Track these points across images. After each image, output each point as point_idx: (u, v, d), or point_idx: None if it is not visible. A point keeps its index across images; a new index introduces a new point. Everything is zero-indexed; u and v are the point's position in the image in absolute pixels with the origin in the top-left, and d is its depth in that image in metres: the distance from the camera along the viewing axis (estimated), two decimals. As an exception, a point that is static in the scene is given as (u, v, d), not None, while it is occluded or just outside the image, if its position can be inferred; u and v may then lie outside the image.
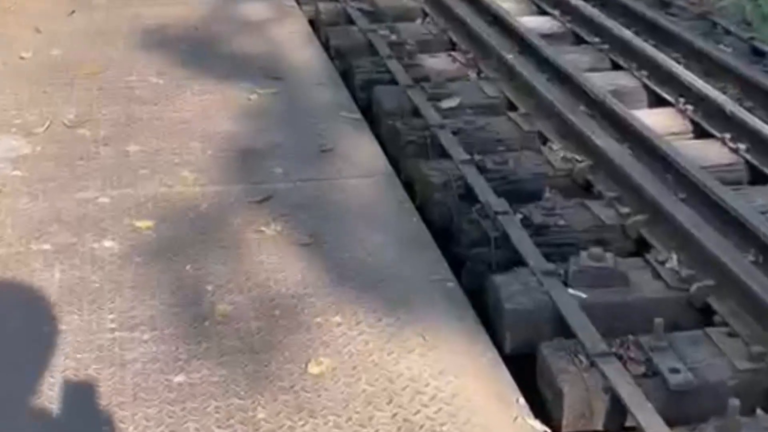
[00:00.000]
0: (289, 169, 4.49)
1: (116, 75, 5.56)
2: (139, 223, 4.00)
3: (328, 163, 4.57)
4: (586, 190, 4.40)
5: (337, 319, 3.40)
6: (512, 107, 5.23)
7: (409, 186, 4.55)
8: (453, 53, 5.98)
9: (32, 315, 3.41)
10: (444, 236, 4.15)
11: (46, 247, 3.82)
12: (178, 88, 5.38)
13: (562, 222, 4.00)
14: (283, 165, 4.53)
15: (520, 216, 4.02)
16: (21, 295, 3.52)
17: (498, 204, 4.03)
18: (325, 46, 6.31)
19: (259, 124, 4.95)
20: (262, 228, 3.97)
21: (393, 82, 5.58)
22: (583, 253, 3.60)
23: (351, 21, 6.61)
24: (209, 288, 3.58)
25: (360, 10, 6.76)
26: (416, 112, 5.10)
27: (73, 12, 6.62)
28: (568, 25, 6.43)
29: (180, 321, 3.38)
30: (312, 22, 6.87)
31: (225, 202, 4.18)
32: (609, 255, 3.60)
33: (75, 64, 5.70)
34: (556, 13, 6.63)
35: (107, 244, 3.86)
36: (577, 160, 4.48)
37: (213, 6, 6.83)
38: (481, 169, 4.42)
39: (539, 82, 5.26)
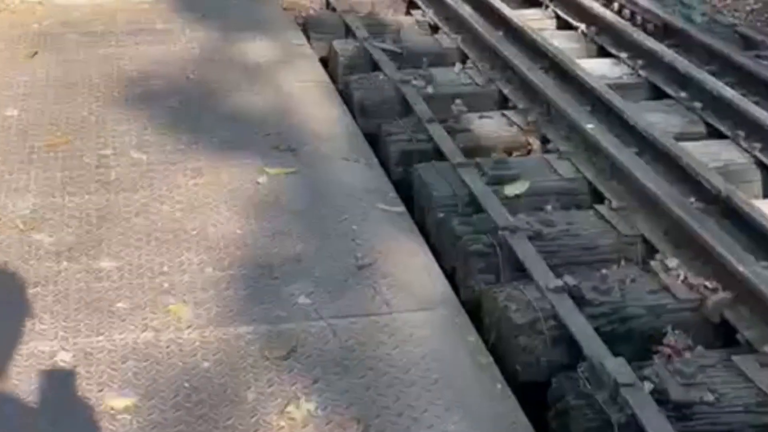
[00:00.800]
0: (317, 298, 3.33)
1: (87, 147, 4.37)
2: (115, 402, 2.82)
3: (369, 287, 3.40)
4: (725, 332, 3.26)
5: None
6: (597, 195, 4.07)
7: (473, 312, 3.42)
8: (507, 113, 4.81)
9: None
10: (533, 401, 3.02)
11: (-16, 447, 2.67)
12: (166, 167, 4.20)
13: (710, 397, 2.85)
14: (309, 291, 3.36)
15: (649, 385, 2.88)
16: None
17: (618, 370, 2.87)
18: (345, 96, 5.14)
19: (272, 224, 3.78)
20: (290, 408, 2.80)
21: (438, 154, 4.43)
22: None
23: (375, 65, 5.44)
24: None
25: (384, 50, 5.59)
26: (474, 203, 3.95)
27: (36, 53, 5.43)
28: (642, 73, 5.27)
29: None
30: (324, 63, 5.71)
31: (234, 359, 3.01)
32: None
33: (35, 131, 4.51)
34: (624, 55, 5.47)
35: (70, 440, 2.70)
36: (706, 287, 3.33)
37: (208, 44, 5.64)
38: (578, 300, 3.28)
39: (627, 158, 4.10)
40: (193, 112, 4.76)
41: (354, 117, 4.90)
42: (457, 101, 4.76)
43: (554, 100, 4.69)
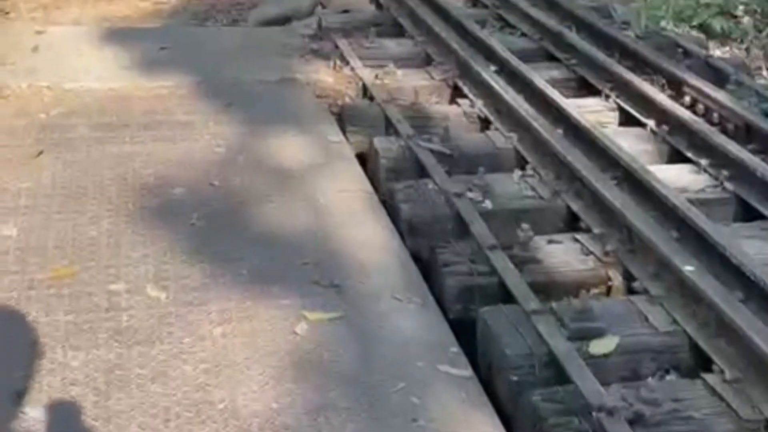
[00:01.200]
0: None
1: (96, 280, 3.74)
2: None
3: (439, 492, 2.78)
4: None
5: None
6: (701, 355, 3.43)
7: None
8: (580, 237, 4.17)
9: None
10: None
11: None
12: (188, 309, 3.57)
13: None
14: (366, 500, 2.74)
15: None
16: None
17: None
18: (389, 207, 4.52)
19: (314, 394, 3.14)
20: None
21: (503, 290, 3.80)
22: None
23: (422, 169, 4.82)
24: None
25: (432, 151, 4.97)
26: (555, 364, 3.31)
27: (41, 153, 4.82)
28: (728, 185, 4.64)
29: None
30: (361, 158, 5.09)
31: None
32: None
33: (36, 258, 3.88)
34: (704, 162, 4.83)
35: None
36: None
37: (234, 140, 5.03)
38: None
39: (735, 311, 3.44)
40: (218, 231, 4.15)
41: (401, 234, 4.29)
42: (524, 225, 4.12)
43: (635, 225, 4.05)
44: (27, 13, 8.44)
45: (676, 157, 5.10)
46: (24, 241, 4.01)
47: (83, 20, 8.36)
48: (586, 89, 6.04)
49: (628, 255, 4.00)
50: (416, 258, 4.14)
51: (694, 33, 7.28)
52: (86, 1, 9.02)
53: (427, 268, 4.08)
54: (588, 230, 4.23)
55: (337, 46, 6.58)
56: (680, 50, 6.42)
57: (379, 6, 7.82)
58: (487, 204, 4.45)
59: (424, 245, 4.26)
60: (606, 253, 4.02)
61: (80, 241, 4.03)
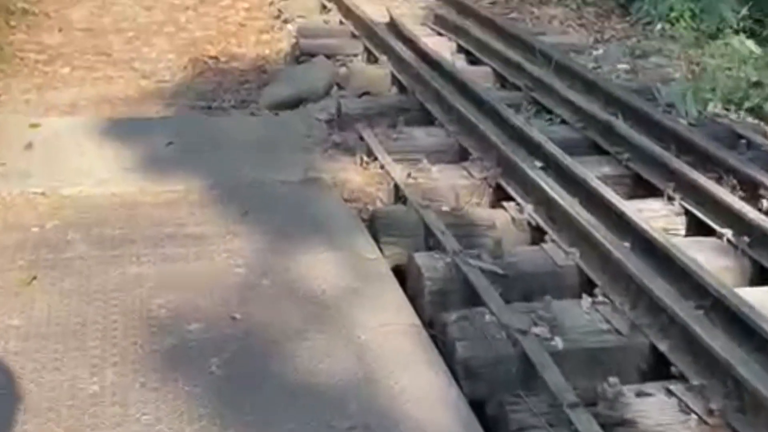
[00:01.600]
0: None
1: (99, 459, 3.09)
2: None
3: None
4: None
5: None
6: None
7: None
8: (674, 389, 3.51)
9: None
10: None
11: None
12: (212, 501, 2.92)
13: None
14: None
15: None
16: None
17: None
18: (437, 341, 3.88)
19: None
20: None
21: (592, 464, 3.16)
22: None
23: (474, 295, 4.17)
24: None
25: (483, 270, 4.32)
26: None
27: (34, 279, 4.16)
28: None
29: None
30: (398, 274, 4.45)
31: None
32: None
33: (28, 423, 3.22)
34: (799, 283, 4.22)
35: None
36: None
37: (255, 259, 4.37)
38: None
39: None
40: (243, 381, 3.48)
41: (454, 375, 3.64)
42: (591, 352, 3.47)
43: (741, 375, 3.40)
44: (20, 95, 7.80)
45: (761, 275, 4.46)
46: (11, 401, 3.34)
47: (81, 101, 7.72)
48: (643, 188, 5.43)
49: (737, 415, 3.35)
50: (474, 405, 3.50)
51: (749, 118, 6.68)
52: (84, 80, 8.40)
53: (491, 425, 3.44)
54: (683, 378, 3.58)
55: (361, 138, 5.98)
56: (743, 141, 5.84)
57: (401, 88, 7.22)
58: (557, 343, 3.80)
59: (484, 391, 3.63)
60: (710, 412, 3.37)
61: (80, 399, 3.36)
